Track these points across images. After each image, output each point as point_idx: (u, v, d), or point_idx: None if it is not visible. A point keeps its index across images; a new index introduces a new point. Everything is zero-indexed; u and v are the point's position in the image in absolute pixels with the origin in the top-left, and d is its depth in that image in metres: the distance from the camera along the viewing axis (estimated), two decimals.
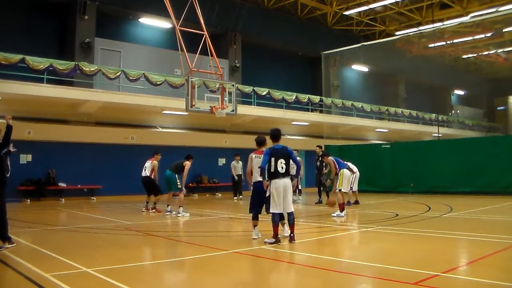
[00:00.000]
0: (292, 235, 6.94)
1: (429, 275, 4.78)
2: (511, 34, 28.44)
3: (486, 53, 32.64)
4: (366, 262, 5.67)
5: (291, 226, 6.98)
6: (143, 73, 17.37)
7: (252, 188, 7.57)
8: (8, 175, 6.89)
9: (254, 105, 21.01)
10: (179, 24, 13.54)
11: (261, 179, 7.11)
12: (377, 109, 27.11)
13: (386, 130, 28.03)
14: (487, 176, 16.31)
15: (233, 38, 22.86)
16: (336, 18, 26.67)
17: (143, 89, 18.04)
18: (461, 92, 40.07)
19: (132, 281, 4.77)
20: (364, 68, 30.25)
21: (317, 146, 15.01)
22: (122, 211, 12.93)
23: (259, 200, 7.24)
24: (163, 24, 20.77)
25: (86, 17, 18.10)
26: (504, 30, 27.42)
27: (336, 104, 24.88)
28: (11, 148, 7.06)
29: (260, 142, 7.64)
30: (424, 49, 29.50)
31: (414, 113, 29.17)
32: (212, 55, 13.93)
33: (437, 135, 26.65)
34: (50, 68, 15.43)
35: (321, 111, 24.36)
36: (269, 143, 7.34)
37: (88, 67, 16.26)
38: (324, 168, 14.07)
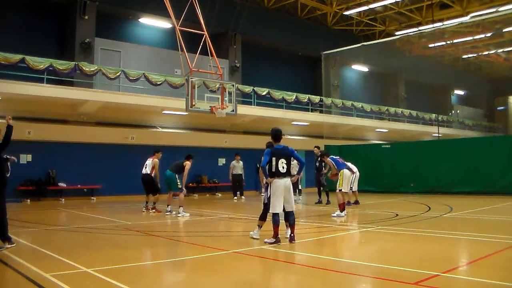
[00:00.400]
0: (292, 235, 6.94)
1: (429, 275, 4.78)
2: (511, 34, 28.44)
3: (486, 53, 32.62)
4: (366, 262, 5.67)
5: (292, 226, 6.99)
6: (143, 73, 17.37)
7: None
8: (8, 175, 6.90)
9: (254, 105, 21.01)
10: (179, 24, 13.54)
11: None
12: (377, 109, 27.10)
13: (386, 130, 28.02)
14: (487, 176, 16.31)
15: (233, 38, 22.87)
16: (336, 18, 26.67)
17: (143, 89, 18.04)
18: (461, 92, 40.07)
19: (132, 281, 4.77)
20: (364, 68, 30.24)
21: (315, 146, 14.99)
22: (122, 211, 12.93)
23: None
24: (163, 24, 20.77)
25: (86, 17, 18.10)
26: (504, 30, 27.41)
27: (336, 104, 24.88)
28: (14, 158, 7.10)
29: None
30: (424, 49, 29.50)
31: (414, 113, 29.16)
32: (212, 55, 13.93)
33: (437, 135, 26.66)
34: (50, 68, 15.42)
35: (321, 111, 24.36)
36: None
37: (88, 67, 16.26)
38: (323, 168, 14.07)
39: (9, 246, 6.52)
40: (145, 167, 12.22)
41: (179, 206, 11.27)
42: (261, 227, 7.32)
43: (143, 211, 12.25)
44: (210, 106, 13.36)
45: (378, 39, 27.33)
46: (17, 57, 14.67)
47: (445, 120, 32.84)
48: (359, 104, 25.63)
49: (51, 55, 16.41)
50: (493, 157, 16.46)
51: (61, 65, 15.72)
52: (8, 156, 6.94)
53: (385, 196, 17.07)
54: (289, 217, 7.01)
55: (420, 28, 26.45)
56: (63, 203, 15.70)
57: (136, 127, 18.74)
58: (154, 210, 12.09)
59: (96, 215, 11.89)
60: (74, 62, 16.16)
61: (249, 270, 5.62)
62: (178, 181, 11.37)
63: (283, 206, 6.95)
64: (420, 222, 9.57)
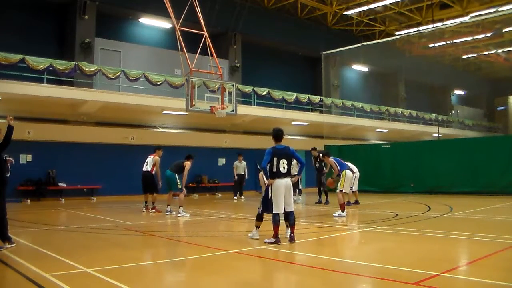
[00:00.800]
0: (292, 235, 6.94)
1: (429, 275, 4.78)
2: (511, 34, 28.44)
3: (486, 53, 32.62)
4: (366, 262, 5.67)
5: (292, 226, 6.99)
6: (143, 73, 17.37)
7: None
8: (8, 175, 6.90)
9: (254, 105, 21.01)
10: (179, 24, 13.54)
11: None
12: (377, 109, 27.10)
13: (386, 130, 28.02)
14: (487, 176, 16.31)
15: (233, 38, 22.87)
16: (336, 18, 26.67)
17: (143, 89, 18.04)
18: (461, 92, 40.07)
19: (132, 281, 4.77)
20: (364, 68, 30.25)
21: (312, 149, 14.91)
22: (122, 211, 12.93)
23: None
24: (163, 24, 20.77)
25: (86, 17, 18.10)
26: (504, 30, 27.41)
27: (336, 104, 24.88)
28: (11, 160, 7.10)
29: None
30: (424, 49, 29.49)
31: (414, 113, 29.16)
32: (212, 55, 13.93)
33: (437, 135, 26.65)
34: (50, 68, 15.43)
35: (321, 111, 24.36)
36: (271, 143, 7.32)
37: (88, 67, 16.26)
38: (324, 168, 14.06)
39: (9, 246, 6.52)
40: (146, 164, 12.24)
41: (179, 206, 11.27)
42: (258, 227, 7.32)
43: (143, 211, 12.25)
44: (210, 106, 13.36)
45: (378, 39, 27.33)
46: (17, 57, 14.67)
47: (445, 120, 32.83)
48: (359, 104, 25.63)
49: (51, 55, 16.41)
50: (493, 157, 16.46)
51: (61, 65, 15.72)
52: (6, 157, 6.94)
53: (385, 196, 17.07)
54: (289, 217, 7.01)
55: (420, 28, 26.45)
56: (63, 203, 15.70)
57: (136, 127, 18.74)
58: (154, 210, 12.09)
59: (96, 215, 11.89)
60: (74, 62, 16.16)
61: (249, 270, 5.62)
62: (178, 181, 11.37)
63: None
64: (420, 222, 9.57)
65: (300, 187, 15.81)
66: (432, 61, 30.60)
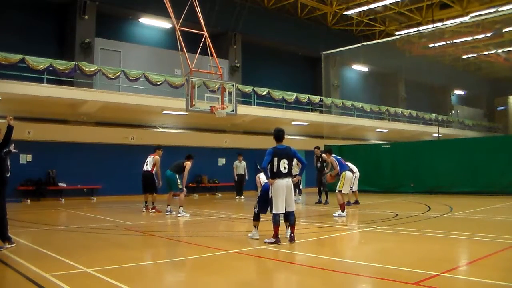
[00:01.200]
0: (292, 235, 6.94)
1: (429, 275, 4.78)
2: (511, 34, 28.44)
3: (486, 53, 32.62)
4: (366, 262, 5.67)
5: (292, 226, 6.99)
6: (143, 73, 17.38)
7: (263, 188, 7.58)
8: (8, 175, 6.89)
9: (254, 105, 21.00)
10: (179, 24, 13.54)
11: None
12: (377, 109, 27.10)
13: (386, 130, 28.02)
14: (487, 176, 16.31)
15: (233, 38, 22.87)
16: (336, 18, 26.67)
17: (143, 89, 18.04)
18: (461, 92, 40.07)
19: (132, 281, 4.77)
20: (364, 68, 30.25)
21: (315, 147, 14.95)
22: (122, 211, 12.93)
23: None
24: (163, 24, 20.76)
25: (86, 17, 18.10)
26: (504, 30, 27.41)
27: (336, 104, 24.88)
28: (12, 149, 7.05)
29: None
30: (424, 49, 29.49)
31: (414, 113, 29.16)
32: (212, 55, 13.93)
33: (437, 135, 26.65)
34: (50, 68, 15.43)
35: (321, 111, 24.35)
36: (273, 143, 7.32)
37: (88, 67, 16.27)
38: (325, 168, 14.06)
39: (9, 246, 6.52)
40: (146, 164, 12.25)
41: (179, 206, 11.27)
42: (257, 227, 7.33)
43: (143, 211, 12.24)
44: (210, 106, 13.35)
45: (378, 39, 27.33)
46: (17, 57, 14.67)
47: (445, 120, 32.84)
48: (359, 104, 25.63)
49: (51, 55, 16.41)
50: (493, 157, 16.45)
51: (61, 65, 15.72)
52: (11, 149, 6.91)
53: (385, 196, 17.07)
54: (290, 217, 7.01)
55: (420, 28, 26.45)
56: (63, 203, 15.70)
57: (136, 127, 18.74)
58: (154, 210, 12.09)
59: (96, 215, 11.89)
60: (74, 62, 16.16)
61: (249, 270, 5.63)
62: (179, 181, 11.37)
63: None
64: (420, 222, 9.57)
65: (301, 187, 15.82)
66: (432, 61, 30.60)
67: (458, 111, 38.13)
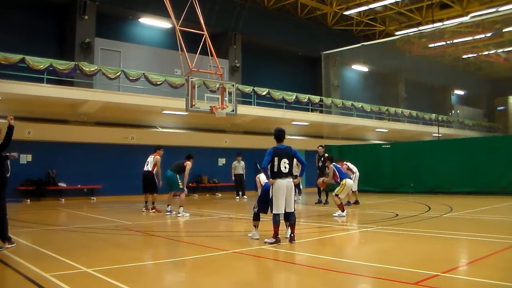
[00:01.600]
0: (292, 235, 6.94)
1: (429, 275, 4.78)
2: (511, 34, 28.44)
3: (486, 53, 32.63)
4: (366, 262, 5.67)
5: (292, 227, 6.99)
6: (143, 73, 17.38)
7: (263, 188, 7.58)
8: (8, 175, 6.89)
9: (254, 105, 21.00)
10: (179, 24, 13.54)
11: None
12: (377, 109, 27.10)
13: (386, 130, 28.02)
14: (487, 176, 16.30)
15: (233, 38, 22.87)
16: (336, 18, 26.67)
17: (143, 89, 18.04)
18: (461, 92, 40.06)
19: (132, 281, 4.77)
20: (364, 68, 30.24)
21: (319, 146, 14.99)
22: (122, 211, 12.93)
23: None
24: (163, 24, 20.76)
25: (86, 17, 18.10)
26: (504, 30, 27.42)
27: (336, 104, 24.88)
28: (16, 155, 7.09)
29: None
30: (424, 49, 29.49)
31: (414, 113, 29.16)
32: (212, 55, 13.93)
33: (437, 135, 26.64)
34: (50, 68, 15.43)
35: (321, 111, 24.35)
36: (273, 143, 7.32)
37: (88, 67, 16.27)
38: (326, 168, 14.04)
39: (9, 246, 6.52)
40: (147, 164, 12.24)
41: (179, 206, 11.27)
42: (257, 227, 7.34)
43: (143, 211, 12.24)
44: (210, 106, 13.36)
45: (378, 39, 27.32)
46: (17, 57, 14.67)
47: (445, 120, 32.83)
48: (359, 104, 25.62)
49: (51, 55, 16.41)
50: (493, 157, 16.45)
51: (61, 65, 15.72)
52: (8, 154, 6.93)
53: (385, 196, 17.06)
54: (290, 217, 7.00)
55: (420, 28, 26.45)
56: (63, 203, 15.70)
57: (136, 127, 18.74)
58: (154, 210, 12.09)
59: (96, 215, 11.89)
60: (74, 62, 16.16)
61: (249, 270, 5.63)
62: (179, 181, 11.38)
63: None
64: (420, 222, 9.57)
65: (301, 187, 15.82)
66: (432, 61, 30.60)
67: (458, 111, 38.12)
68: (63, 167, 16.71)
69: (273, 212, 6.93)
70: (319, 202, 14.39)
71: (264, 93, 21.06)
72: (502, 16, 21.89)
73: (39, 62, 15.14)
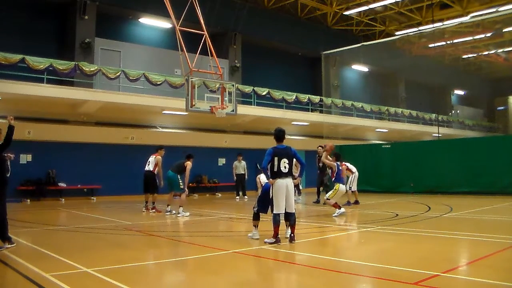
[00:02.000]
0: (292, 235, 6.95)
1: (429, 275, 4.78)
2: (511, 34, 28.44)
3: (486, 53, 32.63)
4: (366, 262, 5.67)
5: (292, 227, 6.99)
6: (143, 73, 17.38)
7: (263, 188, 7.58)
8: (8, 175, 6.89)
9: (254, 105, 21.00)
10: (179, 24, 13.54)
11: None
12: (377, 109, 27.10)
13: (386, 130, 28.02)
14: (487, 176, 16.29)
15: (233, 38, 22.86)
16: (336, 18, 26.67)
17: (143, 89, 18.04)
18: (461, 92, 40.07)
19: (132, 281, 4.77)
20: (364, 68, 30.24)
21: (319, 146, 14.97)
22: (122, 211, 12.93)
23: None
24: (163, 24, 20.76)
25: (86, 17, 18.10)
26: (504, 30, 27.43)
27: (336, 104, 24.88)
28: (10, 155, 7.10)
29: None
30: (424, 49, 29.49)
31: (414, 113, 29.16)
32: (212, 55, 13.93)
33: (437, 135, 26.65)
34: (50, 68, 15.43)
35: (321, 111, 24.36)
36: (273, 143, 7.32)
37: (88, 67, 16.26)
38: (327, 168, 14.03)
39: (9, 246, 6.52)
40: (148, 164, 12.24)
41: (179, 206, 11.27)
42: (257, 226, 7.34)
43: (143, 211, 12.24)
44: (210, 106, 13.35)
45: (378, 39, 27.32)
46: (17, 57, 14.67)
47: (445, 120, 32.83)
48: (359, 104, 25.63)
49: (51, 55, 16.40)
50: (493, 157, 16.44)
51: (61, 65, 15.72)
52: (5, 154, 6.93)
53: (385, 196, 17.06)
54: (290, 217, 7.01)
55: (420, 28, 26.46)
56: (63, 203, 15.70)
57: (136, 127, 18.74)
58: (154, 210, 12.09)
59: (96, 215, 11.89)
60: (74, 62, 16.16)
61: (249, 270, 5.63)
62: (180, 181, 11.38)
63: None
64: (420, 222, 9.57)
65: (300, 187, 15.81)
66: (432, 61, 30.61)
67: (458, 111, 38.13)
68: (63, 167, 16.71)
69: (273, 212, 6.94)
70: (317, 202, 14.39)
71: (264, 93, 21.06)
72: (502, 16, 21.90)
73: (39, 62, 15.14)
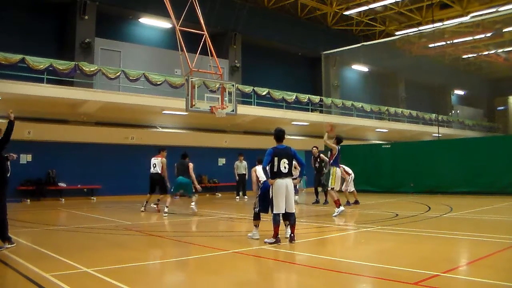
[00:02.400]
0: (292, 235, 6.95)
1: (429, 275, 4.78)
2: (511, 34, 28.44)
3: (486, 53, 32.64)
4: (366, 262, 5.67)
5: (292, 227, 6.99)
6: (143, 73, 17.38)
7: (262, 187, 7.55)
8: (8, 175, 6.89)
9: (254, 105, 21.01)
10: (179, 24, 13.54)
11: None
12: (377, 109, 27.11)
13: (386, 130, 28.02)
14: (487, 176, 16.29)
15: (233, 38, 22.86)
16: (336, 18, 26.68)
17: (143, 89, 18.04)
18: (461, 92, 40.08)
19: (132, 281, 4.77)
20: (364, 68, 30.25)
21: (314, 147, 14.97)
22: (122, 211, 12.93)
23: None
24: (163, 24, 20.77)
25: (86, 17, 18.10)
26: (504, 30, 27.43)
27: (336, 104, 24.88)
28: (13, 155, 7.12)
29: (261, 161, 7.60)
30: (424, 49, 29.50)
31: (414, 113, 29.17)
32: (212, 55, 13.93)
33: (437, 135, 26.65)
34: (50, 68, 15.43)
35: (321, 111, 24.36)
36: (273, 143, 7.31)
37: (88, 67, 16.27)
38: (323, 168, 14.06)
39: (9, 246, 6.51)
40: (154, 166, 12.21)
41: (166, 206, 11.36)
42: (258, 226, 7.35)
43: (142, 211, 12.21)
44: (210, 106, 13.36)
45: (378, 39, 27.31)
46: (17, 57, 14.68)
47: (445, 120, 32.84)
48: (359, 104, 25.63)
49: (51, 55, 16.41)
50: (493, 157, 16.44)
51: (61, 65, 15.72)
52: (7, 155, 6.93)
53: (385, 196, 17.06)
54: (290, 217, 7.01)
55: (420, 28, 26.46)
56: (63, 203, 15.70)
57: (136, 127, 18.74)
58: (156, 206, 12.11)
59: (96, 215, 11.89)
60: (74, 62, 16.16)
61: (249, 270, 5.63)
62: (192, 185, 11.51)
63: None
64: (420, 222, 9.57)
65: (297, 187, 15.77)
66: (432, 61, 30.61)
67: (458, 111, 38.13)
68: (63, 167, 16.71)
69: (273, 212, 6.94)
70: (317, 202, 14.39)
71: (264, 93, 21.06)
72: (502, 16, 21.90)
73: (39, 62, 15.14)
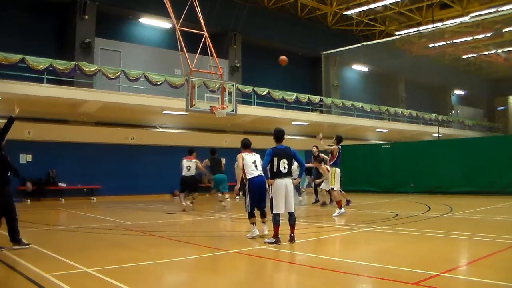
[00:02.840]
0: (292, 235, 6.94)
1: (429, 275, 4.78)
2: (511, 34, 28.45)
3: (486, 53, 32.66)
4: (366, 262, 5.66)
5: (292, 227, 6.99)
6: (143, 73, 17.38)
7: (249, 184, 7.47)
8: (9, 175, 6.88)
9: (254, 105, 21.01)
10: (179, 24, 13.55)
11: (256, 174, 7.27)
12: (377, 109, 27.11)
13: (386, 130, 28.02)
14: (487, 176, 16.30)
15: (233, 38, 22.87)
16: (336, 18, 26.68)
17: (143, 89, 18.04)
18: (461, 92, 40.08)
19: (132, 281, 4.77)
20: (364, 68, 30.25)
21: (314, 146, 14.98)
22: (122, 211, 12.93)
23: (259, 196, 7.28)
24: (163, 24, 20.77)
25: (86, 17, 18.11)
26: (504, 30, 27.44)
27: (336, 104, 24.88)
28: (29, 186, 7.44)
29: (245, 145, 7.71)
30: (424, 49, 29.51)
31: (414, 113, 29.18)
32: (212, 55, 13.93)
33: (437, 135, 26.66)
34: (50, 68, 15.44)
35: (321, 111, 24.37)
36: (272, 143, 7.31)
37: (88, 67, 16.27)
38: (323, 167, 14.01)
39: (17, 248, 6.49)
40: (188, 169, 12.33)
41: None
42: (255, 224, 7.36)
43: (190, 205, 12.52)
44: (210, 106, 13.37)
45: (378, 39, 27.35)
46: (17, 57, 14.68)
47: (445, 120, 32.85)
48: (359, 104, 25.63)
49: (51, 55, 16.42)
50: (493, 157, 16.44)
51: (61, 65, 15.73)
52: (24, 185, 7.13)
53: (385, 196, 17.05)
54: (289, 217, 7.01)
55: (420, 28, 26.48)
56: (63, 203, 15.70)
57: (136, 127, 18.74)
58: (191, 205, 12.53)
59: (96, 215, 11.89)
60: (74, 62, 16.17)
61: (249, 270, 5.62)
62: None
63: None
64: (420, 222, 9.56)
65: (301, 187, 15.78)
66: (432, 61, 30.62)
67: (458, 111, 38.14)
68: (63, 167, 16.71)
69: (273, 212, 6.93)
70: (316, 202, 14.37)
71: (264, 93, 21.06)
72: (502, 16, 21.93)
73: (39, 62, 15.14)
